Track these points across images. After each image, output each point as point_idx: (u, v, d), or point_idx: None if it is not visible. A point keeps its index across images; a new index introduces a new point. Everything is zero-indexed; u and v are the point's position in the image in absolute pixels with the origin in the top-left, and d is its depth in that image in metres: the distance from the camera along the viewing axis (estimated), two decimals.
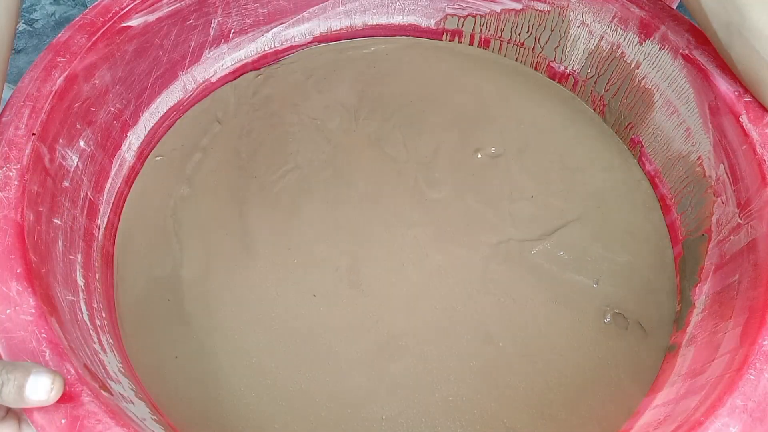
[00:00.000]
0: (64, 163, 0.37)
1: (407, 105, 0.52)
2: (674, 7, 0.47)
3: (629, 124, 0.50)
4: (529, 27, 0.53)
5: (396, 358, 0.38)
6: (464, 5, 0.54)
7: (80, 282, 0.37)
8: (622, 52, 0.48)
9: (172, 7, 0.44)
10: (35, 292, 0.30)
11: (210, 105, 0.51)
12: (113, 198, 0.43)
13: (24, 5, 0.95)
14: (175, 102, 0.49)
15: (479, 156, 0.48)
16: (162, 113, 0.48)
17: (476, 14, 0.54)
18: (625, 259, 0.44)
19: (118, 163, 0.44)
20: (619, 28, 0.48)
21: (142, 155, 0.47)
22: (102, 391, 0.29)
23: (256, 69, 0.53)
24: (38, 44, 0.91)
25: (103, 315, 0.37)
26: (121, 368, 0.35)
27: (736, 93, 0.40)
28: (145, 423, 0.31)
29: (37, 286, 0.30)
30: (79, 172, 0.39)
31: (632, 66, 0.48)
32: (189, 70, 0.49)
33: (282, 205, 0.45)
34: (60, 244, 0.36)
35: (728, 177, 0.40)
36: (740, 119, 0.39)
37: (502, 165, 0.48)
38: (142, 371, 0.37)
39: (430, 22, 0.56)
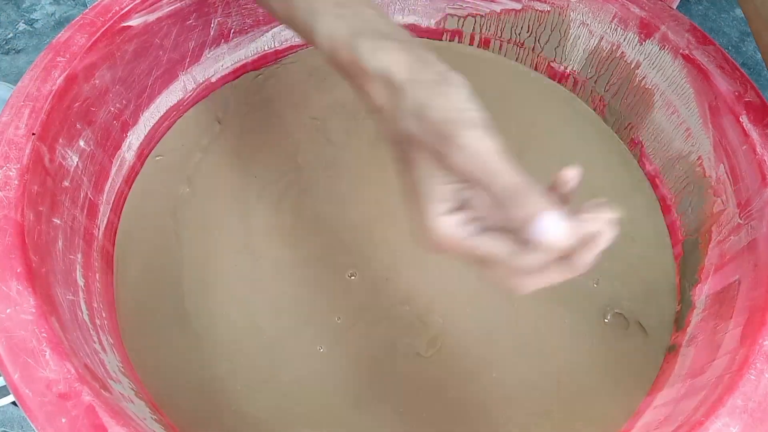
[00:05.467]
0: (64, 163, 0.37)
1: None
2: (674, 7, 0.47)
3: (629, 124, 0.50)
4: (529, 27, 0.53)
5: (397, 357, 0.38)
6: (464, 5, 0.54)
7: (80, 282, 0.37)
8: (622, 52, 0.48)
9: (172, 7, 0.44)
10: (35, 292, 0.30)
11: (210, 105, 0.51)
12: (113, 198, 0.43)
13: (24, 5, 0.95)
14: (175, 102, 0.49)
15: None
16: (162, 113, 0.48)
17: (476, 14, 0.54)
18: (625, 259, 0.44)
19: (118, 163, 0.44)
20: (619, 28, 0.48)
21: (142, 155, 0.46)
22: (102, 391, 0.29)
23: (256, 69, 0.53)
24: (38, 44, 0.91)
25: (103, 315, 0.37)
26: (121, 368, 0.35)
27: (736, 93, 0.40)
28: (145, 423, 0.31)
29: (37, 286, 0.30)
30: (79, 172, 0.39)
31: (632, 66, 0.48)
32: (189, 70, 0.49)
33: (282, 205, 0.45)
34: (60, 243, 0.36)
35: (728, 177, 0.40)
36: (740, 119, 0.39)
37: None
38: (142, 371, 0.37)
39: (430, 22, 0.56)
